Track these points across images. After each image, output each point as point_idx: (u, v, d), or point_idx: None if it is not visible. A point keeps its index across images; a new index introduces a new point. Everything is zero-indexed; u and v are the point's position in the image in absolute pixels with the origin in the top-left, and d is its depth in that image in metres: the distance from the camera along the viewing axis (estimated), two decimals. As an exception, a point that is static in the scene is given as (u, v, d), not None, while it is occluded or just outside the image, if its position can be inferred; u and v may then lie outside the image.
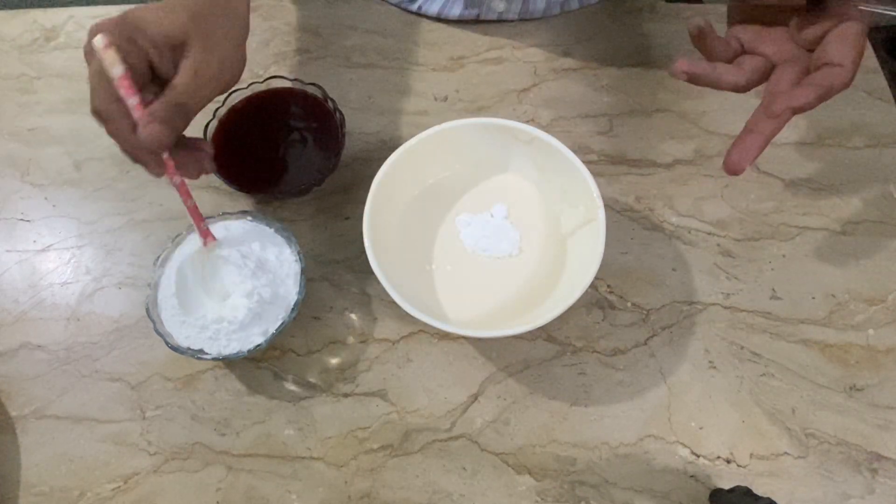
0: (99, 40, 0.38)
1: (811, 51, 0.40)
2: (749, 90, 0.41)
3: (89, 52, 0.41)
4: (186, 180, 0.45)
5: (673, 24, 0.64)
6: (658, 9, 0.65)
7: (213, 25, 0.42)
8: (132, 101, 0.39)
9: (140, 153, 0.42)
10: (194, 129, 0.59)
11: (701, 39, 0.41)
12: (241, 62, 0.45)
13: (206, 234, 0.48)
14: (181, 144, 0.45)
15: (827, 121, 0.59)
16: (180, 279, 0.48)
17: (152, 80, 0.42)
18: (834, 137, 0.58)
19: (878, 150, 0.58)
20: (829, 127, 0.59)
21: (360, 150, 0.59)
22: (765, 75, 0.41)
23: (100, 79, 0.40)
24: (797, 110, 0.38)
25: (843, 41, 0.38)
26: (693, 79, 0.41)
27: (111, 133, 0.41)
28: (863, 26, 0.39)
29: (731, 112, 0.60)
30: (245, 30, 0.46)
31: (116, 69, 0.39)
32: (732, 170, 0.40)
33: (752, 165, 0.57)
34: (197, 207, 0.47)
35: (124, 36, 0.40)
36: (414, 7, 0.64)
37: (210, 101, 0.44)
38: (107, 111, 0.40)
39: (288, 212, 0.56)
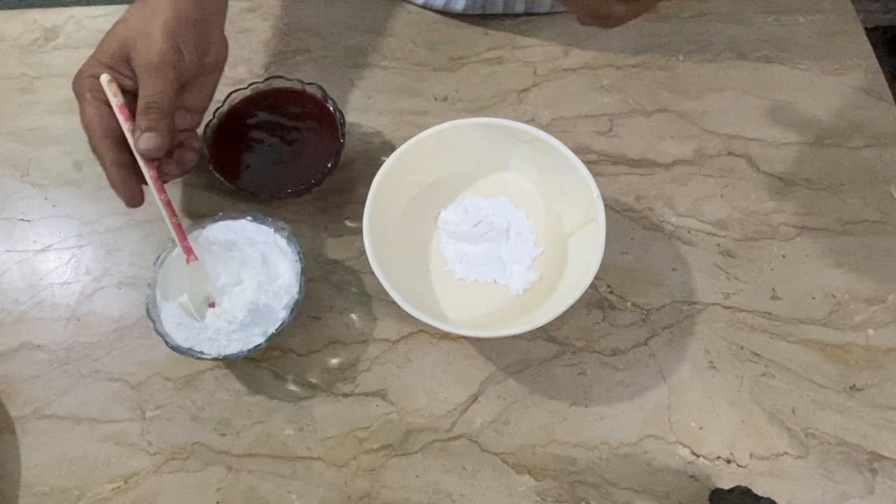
0: (105, 78, 0.44)
1: None
2: None
3: (81, 94, 0.45)
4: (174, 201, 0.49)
5: (673, 24, 0.64)
6: (658, 9, 0.65)
7: (145, 15, 0.44)
8: (129, 125, 0.44)
9: (127, 185, 0.46)
10: (194, 129, 0.59)
11: None
12: (193, 46, 0.45)
13: (188, 252, 0.48)
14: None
15: (827, 121, 0.59)
16: (179, 280, 0.48)
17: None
18: (834, 137, 0.58)
19: (878, 150, 0.58)
20: (829, 127, 0.59)
21: (360, 150, 0.59)
22: None
23: (92, 119, 0.44)
24: None
25: None
26: None
27: (104, 165, 0.45)
28: None
29: (731, 112, 0.60)
30: (177, 15, 0.44)
31: (118, 99, 0.44)
32: None
33: (752, 166, 0.57)
34: (181, 226, 0.48)
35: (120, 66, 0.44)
36: (419, 0, 0.64)
37: (175, 87, 0.44)
38: (99, 147, 0.44)
39: (288, 212, 0.56)
